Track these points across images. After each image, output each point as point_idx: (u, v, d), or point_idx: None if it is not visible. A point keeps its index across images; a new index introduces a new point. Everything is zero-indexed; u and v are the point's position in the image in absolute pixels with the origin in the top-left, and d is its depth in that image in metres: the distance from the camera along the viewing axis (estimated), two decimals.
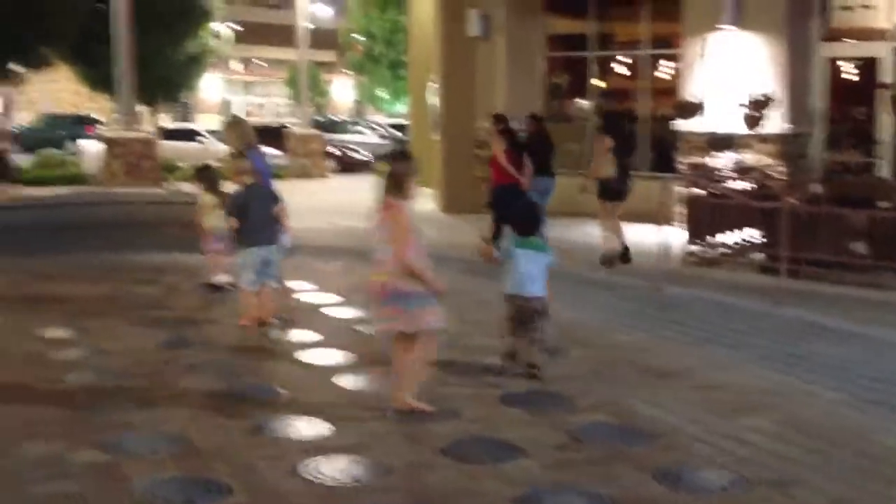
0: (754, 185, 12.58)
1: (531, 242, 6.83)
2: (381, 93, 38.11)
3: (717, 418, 5.82)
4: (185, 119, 45.44)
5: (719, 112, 14.26)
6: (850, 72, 15.41)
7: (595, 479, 4.86)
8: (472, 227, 11.74)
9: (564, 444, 5.36)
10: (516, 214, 7.12)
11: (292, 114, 47.62)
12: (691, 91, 14.68)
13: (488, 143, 12.51)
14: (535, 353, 6.65)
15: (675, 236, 11.08)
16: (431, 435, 5.44)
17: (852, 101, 15.56)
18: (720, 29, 14.34)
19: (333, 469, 4.91)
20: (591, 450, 5.30)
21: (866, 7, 14.51)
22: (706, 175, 13.20)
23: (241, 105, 58.35)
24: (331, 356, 7.19)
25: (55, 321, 8.22)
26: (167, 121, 36.63)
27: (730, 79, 14.20)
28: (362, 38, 36.78)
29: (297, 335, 7.87)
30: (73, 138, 36.62)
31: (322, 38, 42.35)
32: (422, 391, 5.87)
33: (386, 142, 33.99)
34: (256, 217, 7.93)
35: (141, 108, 25.02)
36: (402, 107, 35.90)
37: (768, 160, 14.13)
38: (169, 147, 24.57)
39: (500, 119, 12.01)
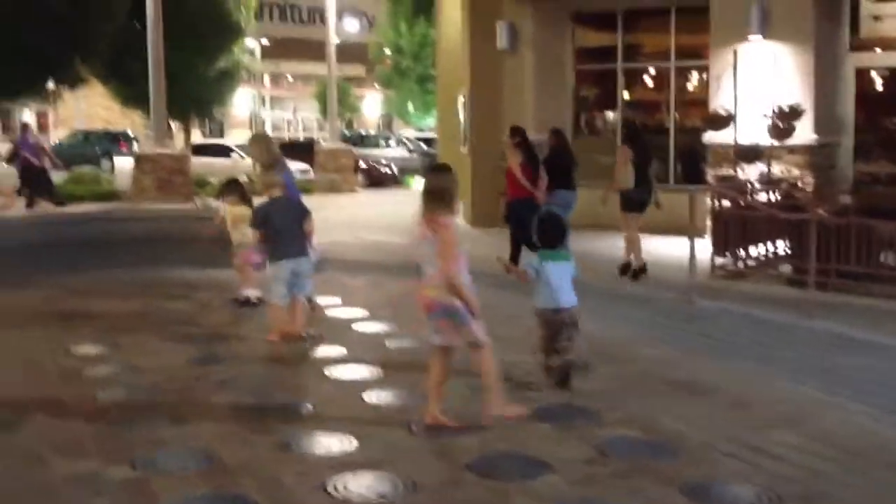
0: (783, 197, 12.54)
1: (558, 254, 6.89)
2: (410, 107, 38.26)
3: (745, 432, 5.79)
4: (218, 134, 45.86)
5: (748, 123, 14.22)
6: (878, 81, 15.33)
7: (622, 494, 4.86)
8: (500, 241, 11.74)
9: (592, 459, 5.36)
10: (542, 227, 7.14)
11: (321, 128, 47.93)
12: (720, 103, 14.64)
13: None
14: (569, 360, 6.73)
15: (702, 248, 11.04)
16: (458, 450, 5.46)
17: (881, 111, 15.47)
18: (748, 40, 14.31)
19: (360, 485, 4.94)
20: (619, 464, 5.29)
21: (895, 16, 14.43)
22: (734, 187, 13.17)
23: (271, 120, 58.79)
24: (359, 371, 7.22)
25: (88, 337, 8.33)
26: (198, 136, 36.96)
27: (758, 90, 14.16)
28: (391, 53, 36.97)
29: (325, 350, 7.92)
30: (107, 155, 37.14)
31: (351, 52, 42.66)
32: (448, 406, 5.90)
33: (414, 156, 34.13)
34: (283, 230, 7.99)
35: (173, 124, 25.30)
36: (430, 121, 36.02)
37: (796, 171, 14.07)
38: (199, 162, 24.80)
39: (515, 132, 11.97)
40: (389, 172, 30.30)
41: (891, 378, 7.05)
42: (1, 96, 16.22)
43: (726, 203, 12.01)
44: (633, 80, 17.80)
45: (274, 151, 9.48)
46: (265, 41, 43.87)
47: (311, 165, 26.59)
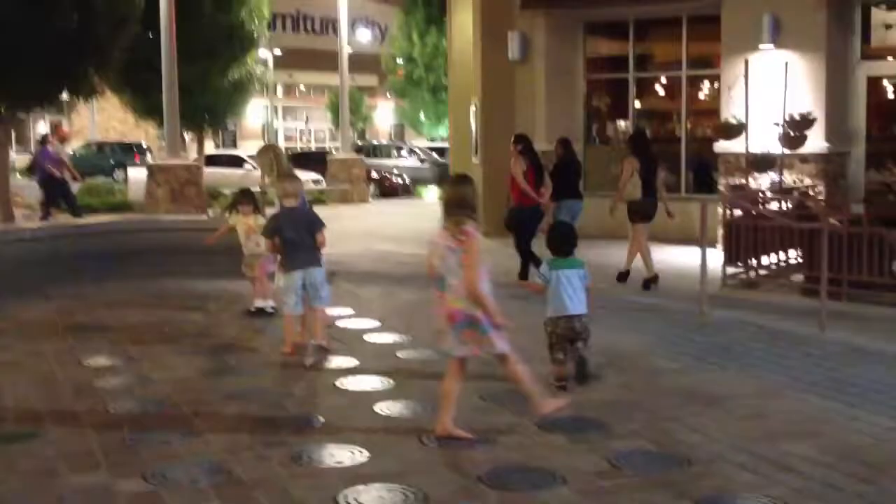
0: (794, 206, 12.52)
1: (569, 262, 6.97)
2: (422, 117, 38.33)
3: (759, 444, 5.76)
4: (231, 145, 46.00)
5: (759, 132, 14.20)
6: (890, 90, 15.30)
7: None
8: (513, 251, 11.75)
9: (604, 471, 5.34)
10: (552, 235, 7.30)
11: (334, 138, 48.02)
12: (731, 112, 14.63)
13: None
14: (582, 357, 6.95)
15: (714, 258, 11.02)
16: (470, 462, 5.45)
17: (893, 120, 15.44)
18: (759, 49, 14.30)
19: (372, 498, 4.93)
20: (631, 476, 5.27)
21: None
22: (745, 196, 13.14)
23: (284, 130, 58.95)
24: (371, 382, 7.23)
25: (100, 349, 8.35)
26: (211, 147, 37.07)
27: (769, 99, 14.15)
28: (403, 63, 37.06)
29: (336, 361, 7.92)
30: (121, 166, 37.32)
31: (364, 62, 42.82)
32: (460, 418, 5.90)
33: (426, 166, 34.18)
34: (293, 240, 8.00)
35: (186, 135, 25.37)
36: (442, 130, 36.07)
37: (808, 180, 14.05)
38: (212, 173, 24.88)
39: (518, 139, 12.04)
40: (401, 182, 30.35)
41: None
42: (15, 108, 16.27)
43: (738, 212, 11.99)
44: (645, 89, 17.81)
45: (281, 163, 9.50)
46: (278, 52, 43.98)
47: (324, 175, 26.66)
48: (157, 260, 11.87)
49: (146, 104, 23.30)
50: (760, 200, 12.94)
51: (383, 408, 6.54)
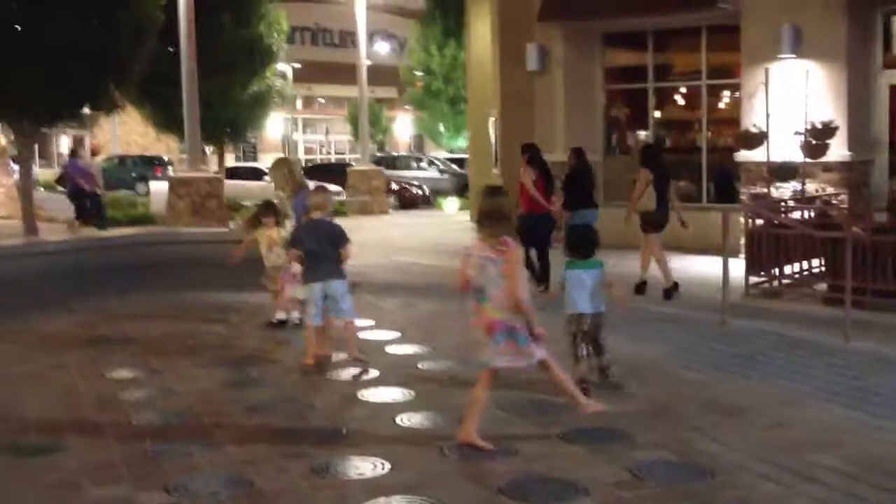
0: (817, 215, 12.45)
1: (586, 262, 7.20)
2: (441, 128, 38.39)
3: (782, 454, 5.72)
4: (252, 158, 46.20)
5: (781, 141, 14.14)
6: None
7: None
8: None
9: (625, 482, 5.32)
10: (570, 237, 7.61)
11: (353, 150, 48.15)
12: (752, 121, 14.58)
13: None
14: (603, 360, 7.24)
15: (736, 267, 10.97)
16: (490, 473, 5.44)
17: None
18: (779, 58, 14.25)
19: None
20: (653, 487, 5.25)
21: None
22: (767, 205, 13.09)
23: (304, 142, 59.17)
24: (392, 393, 7.23)
25: (123, 361, 8.39)
26: (232, 160, 37.24)
27: (790, 107, 14.09)
28: (421, 74, 37.13)
29: (358, 372, 7.92)
30: (143, 179, 37.56)
31: (382, 74, 42.92)
32: (480, 428, 5.89)
33: (445, 177, 34.23)
34: (314, 252, 8.01)
35: (207, 148, 25.49)
36: (461, 142, 36.09)
37: (831, 189, 13.97)
38: (232, 186, 24.99)
39: (526, 149, 12.14)
40: (421, 193, 30.37)
41: None
42: (38, 122, 16.40)
43: (760, 221, 11.94)
44: (665, 99, 17.78)
45: (297, 176, 9.52)
46: (297, 65, 44.16)
47: (343, 187, 26.73)
48: (178, 272, 11.91)
49: (166, 118, 23.43)
50: (782, 209, 12.87)
51: (404, 419, 6.54)
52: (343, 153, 56.23)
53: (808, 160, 13.94)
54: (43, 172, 40.96)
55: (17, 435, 6.33)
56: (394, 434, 6.24)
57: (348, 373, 7.90)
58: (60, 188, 24.71)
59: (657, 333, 9.40)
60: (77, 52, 14.51)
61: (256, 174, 30.22)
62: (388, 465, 5.57)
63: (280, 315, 9.81)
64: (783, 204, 13.39)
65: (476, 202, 6.33)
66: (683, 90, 17.64)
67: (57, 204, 21.97)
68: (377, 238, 18.42)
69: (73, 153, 20.30)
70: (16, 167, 21.54)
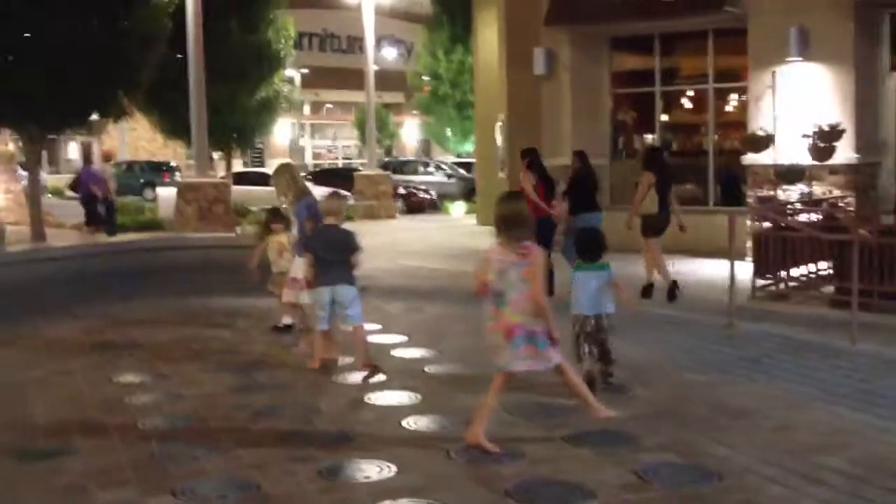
0: (824, 217, 12.43)
1: (593, 265, 7.28)
2: (448, 132, 38.38)
3: (788, 457, 5.71)
4: (259, 163, 46.24)
5: (788, 144, 14.13)
6: None
7: None
8: None
9: (631, 485, 5.31)
10: (578, 241, 7.66)
11: (361, 155, 48.20)
12: (759, 124, 14.57)
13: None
14: (608, 362, 7.29)
15: (743, 270, 10.95)
16: (497, 476, 5.45)
17: None
18: (786, 61, 14.24)
19: None
20: (659, 490, 5.24)
21: None
22: (774, 208, 13.07)
23: (312, 147, 59.25)
24: (398, 397, 7.23)
25: (130, 366, 8.42)
26: (239, 165, 37.25)
27: (797, 110, 14.08)
28: (429, 79, 37.14)
29: (368, 376, 7.92)
30: (151, 185, 37.61)
31: (390, 79, 42.91)
32: (486, 431, 5.89)
33: (453, 181, 34.23)
34: (324, 257, 8.01)
35: (214, 154, 25.52)
36: (468, 146, 36.10)
37: (838, 191, 13.95)
38: (240, 191, 25.01)
39: (526, 153, 12.15)
40: (428, 198, 30.36)
41: None
42: (44, 127, 16.44)
43: (767, 224, 11.92)
44: (672, 102, 17.77)
45: (298, 183, 9.54)
46: (305, 70, 44.21)
47: (351, 192, 26.73)
48: (185, 277, 11.95)
49: (174, 124, 23.47)
50: (789, 212, 12.85)
51: (411, 422, 6.55)
52: (350, 158, 56.24)
53: (815, 163, 13.92)
54: (52, 179, 41.05)
55: (25, 439, 6.35)
56: (400, 437, 6.25)
57: (354, 376, 7.90)
58: (73, 193, 24.76)
59: (663, 336, 9.39)
60: (77, 52, 14.52)
61: (264, 179, 30.22)
62: (394, 469, 5.57)
63: (286, 320, 9.82)
64: (790, 207, 13.36)
65: (493, 207, 6.32)
66: (690, 94, 17.63)
67: (65, 210, 22.02)
68: (384, 242, 18.42)
69: (87, 159, 20.38)
70: (24, 173, 21.60)
